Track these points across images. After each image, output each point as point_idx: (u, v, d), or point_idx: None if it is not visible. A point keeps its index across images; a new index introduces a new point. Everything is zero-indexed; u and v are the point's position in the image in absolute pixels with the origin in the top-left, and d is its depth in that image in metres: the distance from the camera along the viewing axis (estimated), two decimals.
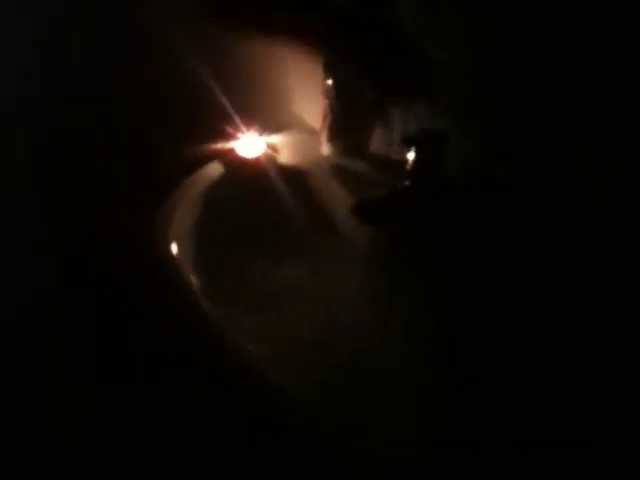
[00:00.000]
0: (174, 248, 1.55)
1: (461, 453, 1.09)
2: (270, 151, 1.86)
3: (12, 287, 1.43)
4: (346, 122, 1.74)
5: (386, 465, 1.06)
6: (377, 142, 1.76)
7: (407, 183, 1.53)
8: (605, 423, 1.10)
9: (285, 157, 1.86)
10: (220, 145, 1.85)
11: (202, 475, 1.12)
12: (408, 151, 1.51)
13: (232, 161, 1.84)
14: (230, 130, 1.86)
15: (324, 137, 1.81)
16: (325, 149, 1.82)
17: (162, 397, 1.21)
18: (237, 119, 1.86)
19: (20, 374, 1.25)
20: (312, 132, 1.94)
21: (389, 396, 1.20)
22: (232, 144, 1.86)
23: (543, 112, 1.35)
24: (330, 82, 1.72)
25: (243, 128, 1.86)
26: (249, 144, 1.86)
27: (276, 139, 1.90)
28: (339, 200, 1.68)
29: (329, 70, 1.72)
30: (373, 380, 1.24)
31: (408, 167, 1.52)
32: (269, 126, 1.88)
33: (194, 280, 1.51)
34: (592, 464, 1.04)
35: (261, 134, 1.87)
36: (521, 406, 1.14)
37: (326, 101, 1.76)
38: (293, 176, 1.77)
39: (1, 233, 1.52)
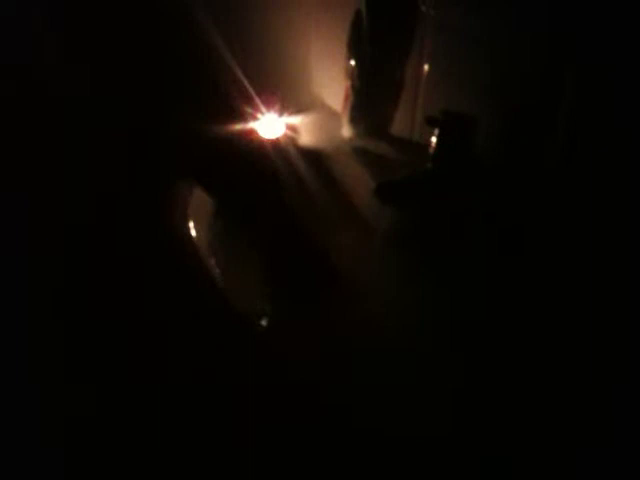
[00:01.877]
0: (192, 227, 1.54)
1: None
2: (290, 132, 1.83)
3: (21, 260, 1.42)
4: (368, 104, 1.72)
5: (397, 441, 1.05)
6: (399, 124, 1.74)
7: (429, 165, 1.50)
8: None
9: (305, 138, 1.84)
10: (240, 125, 1.83)
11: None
12: (431, 133, 1.48)
13: (252, 142, 1.82)
14: (250, 111, 1.84)
15: (345, 119, 1.79)
16: (346, 131, 1.80)
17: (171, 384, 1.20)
18: (257, 100, 1.84)
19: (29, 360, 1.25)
20: (333, 113, 1.92)
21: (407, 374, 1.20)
22: (252, 125, 1.84)
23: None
24: (353, 63, 1.69)
25: (263, 109, 1.84)
26: (269, 125, 1.84)
27: (296, 120, 1.88)
28: (359, 182, 1.66)
29: (352, 51, 1.69)
30: (391, 360, 1.23)
31: (431, 149, 1.49)
32: (289, 107, 1.86)
33: (211, 260, 1.50)
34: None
35: (281, 115, 1.85)
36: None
37: (348, 82, 1.73)
38: (313, 158, 1.75)
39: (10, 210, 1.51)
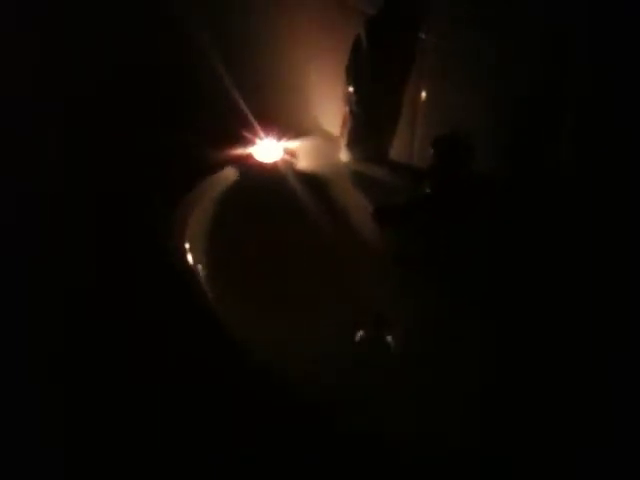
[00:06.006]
0: (188, 251, 1.52)
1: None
2: (288, 157, 1.83)
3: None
4: (367, 129, 1.71)
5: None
6: (398, 149, 1.73)
7: (428, 190, 1.49)
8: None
9: (303, 163, 1.84)
10: (237, 150, 1.83)
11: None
12: (430, 158, 1.47)
13: (249, 166, 1.82)
14: (247, 135, 1.84)
15: (344, 143, 1.78)
16: (344, 155, 1.79)
17: (168, 399, 1.18)
18: (255, 123, 1.84)
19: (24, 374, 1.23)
20: (331, 138, 1.92)
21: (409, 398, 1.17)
22: (249, 149, 1.84)
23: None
24: (352, 88, 1.69)
25: (261, 133, 1.85)
26: (267, 149, 1.84)
27: (294, 145, 1.88)
28: (358, 207, 1.65)
29: (351, 76, 1.69)
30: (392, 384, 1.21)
31: (430, 174, 1.48)
32: (287, 131, 1.86)
33: (207, 284, 1.48)
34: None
35: (279, 139, 1.85)
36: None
37: (347, 107, 1.73)
38: (311, 182, 1.74)
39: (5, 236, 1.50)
